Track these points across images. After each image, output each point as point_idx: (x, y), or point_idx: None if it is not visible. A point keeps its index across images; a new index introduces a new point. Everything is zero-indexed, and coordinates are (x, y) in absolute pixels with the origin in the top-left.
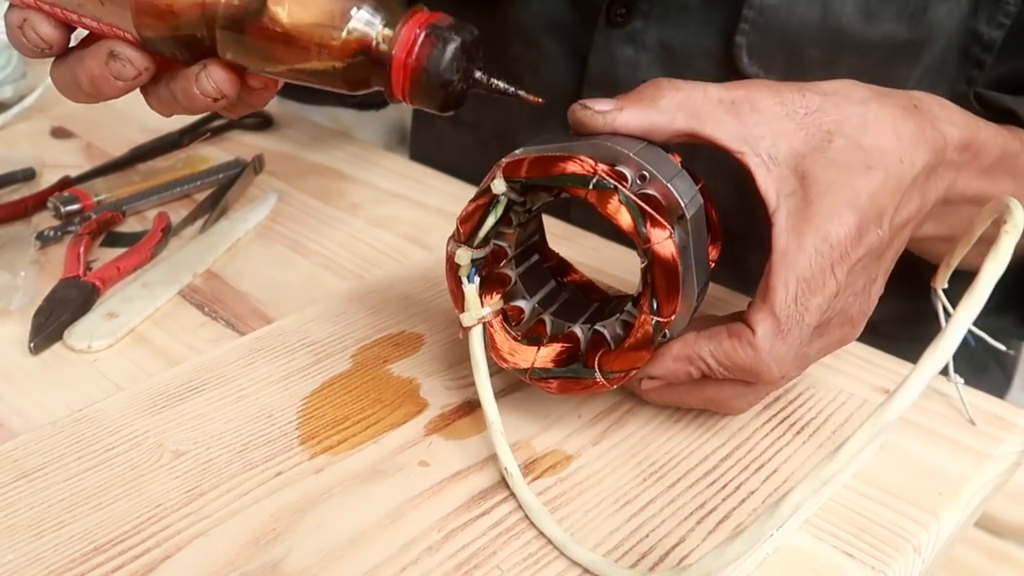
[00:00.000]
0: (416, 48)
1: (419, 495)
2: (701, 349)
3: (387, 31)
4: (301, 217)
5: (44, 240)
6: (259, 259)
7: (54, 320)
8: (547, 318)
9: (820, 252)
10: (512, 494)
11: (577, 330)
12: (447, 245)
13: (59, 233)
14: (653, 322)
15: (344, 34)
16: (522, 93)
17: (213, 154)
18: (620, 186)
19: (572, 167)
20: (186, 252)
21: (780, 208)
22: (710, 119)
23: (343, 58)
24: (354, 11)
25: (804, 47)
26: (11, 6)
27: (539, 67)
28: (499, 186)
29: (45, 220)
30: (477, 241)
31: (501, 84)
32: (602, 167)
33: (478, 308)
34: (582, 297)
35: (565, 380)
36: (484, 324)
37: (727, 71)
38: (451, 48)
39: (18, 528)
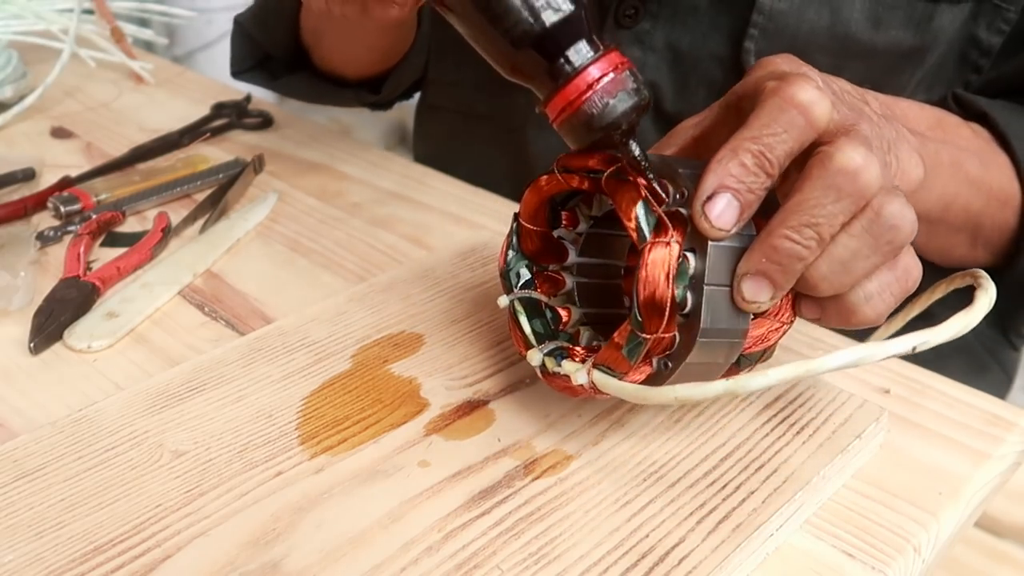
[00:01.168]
0: (600, 85)
1: (419, 495)
2: (737, 140)
3: (587, 50)
4: (301, 217)
5: (44, 240)
6: (259, 259)
7: (54, 320)
8: (583, 330)
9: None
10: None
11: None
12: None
13: (59, 233)
14: (629, 332)
15: (549, 21)
16: (651, 175)
17: (213, 154)
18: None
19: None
20: (186, 252)
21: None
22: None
23: (526, 43)
24: (568, 6)
25: (812, 53)
26: None
27: None
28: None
29: (45, 220)
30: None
31: (640, 156)
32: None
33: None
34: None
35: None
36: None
37: (734, 75)
38: (631, 103)
39: (18, 528)
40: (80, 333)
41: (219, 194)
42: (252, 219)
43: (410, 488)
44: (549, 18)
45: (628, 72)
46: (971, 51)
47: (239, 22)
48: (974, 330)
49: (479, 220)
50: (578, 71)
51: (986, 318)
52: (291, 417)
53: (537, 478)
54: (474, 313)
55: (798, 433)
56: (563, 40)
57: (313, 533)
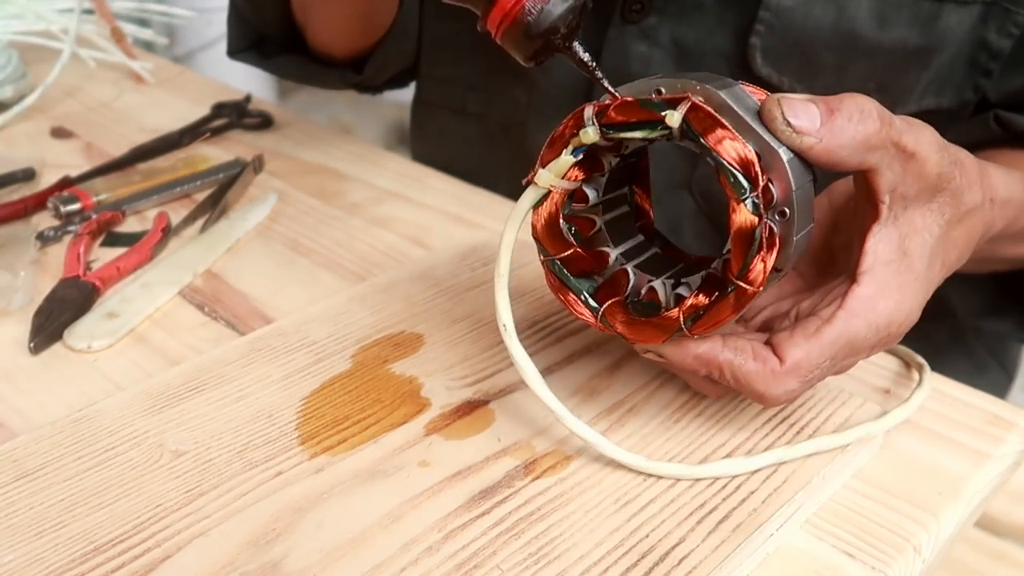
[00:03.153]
0: None
1: (419, 495)
2: (722, 359)
3: None
4: (301, 217)
5: (44, 240)
6: (259, 259)
7: (54, 320)
8: (630, 269)
9: (879, 331)
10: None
11: (658, 285)
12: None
13: (59, 233)
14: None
15: None
16: (600, 75)
17: (213, 154)
18: (762, 211)
19: (730, 146)
20: (186, 252)
21: (873, 271)
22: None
23: None
24: None
25: (817, 50)
26: None
27: (550, 60)
28: (591, 134)
29: (45, 220)
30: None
31: (588, 59)
32: (758, 172)
33: (553, 175)
34: (668, 259)
35: (635, 322)
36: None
37: (740, 71)
38: (567, 5)
39: (18, 528)
40: (80, 333)
41: (219, 194)
42: (252, 219)
43: (410, 488)
44: None
45: None
46: (980, 54)
47: (233, 2)
48: (975, 330)
49: (479, 220)
50: None
51: (986, 323)
52: (291, 417)
53: (537, 478)
54: (474, 313)
55: (798, 433)
56: None
57: (313, 533)
